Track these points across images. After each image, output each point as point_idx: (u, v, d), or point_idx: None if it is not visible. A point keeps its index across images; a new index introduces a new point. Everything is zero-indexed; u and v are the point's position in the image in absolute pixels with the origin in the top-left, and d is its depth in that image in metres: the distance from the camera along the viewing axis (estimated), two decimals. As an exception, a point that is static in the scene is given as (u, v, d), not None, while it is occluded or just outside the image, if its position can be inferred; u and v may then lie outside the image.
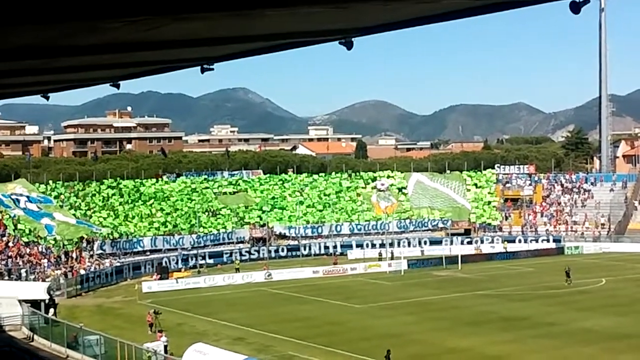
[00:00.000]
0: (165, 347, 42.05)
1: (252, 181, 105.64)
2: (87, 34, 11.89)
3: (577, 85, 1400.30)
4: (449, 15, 12.76)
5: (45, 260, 71.84)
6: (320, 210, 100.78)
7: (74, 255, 75.62)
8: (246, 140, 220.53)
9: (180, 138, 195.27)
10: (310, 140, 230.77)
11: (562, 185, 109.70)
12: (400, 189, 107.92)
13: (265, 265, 79.23)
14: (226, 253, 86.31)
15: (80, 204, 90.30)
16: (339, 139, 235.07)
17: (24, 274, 67.28)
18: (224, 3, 10.39)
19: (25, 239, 76.55)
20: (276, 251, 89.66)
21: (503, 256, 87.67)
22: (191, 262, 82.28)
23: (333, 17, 12.52)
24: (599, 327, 49.14)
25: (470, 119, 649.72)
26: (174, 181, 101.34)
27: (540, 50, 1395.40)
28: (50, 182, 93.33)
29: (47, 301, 55.48)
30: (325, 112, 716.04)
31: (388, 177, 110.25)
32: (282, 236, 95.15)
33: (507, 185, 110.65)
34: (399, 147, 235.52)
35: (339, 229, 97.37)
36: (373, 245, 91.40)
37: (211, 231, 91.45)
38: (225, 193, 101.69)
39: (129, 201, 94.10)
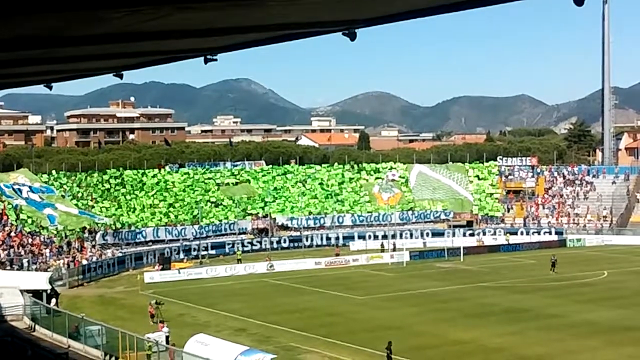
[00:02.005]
0: (167, 337, 42.09)
1: (255, 172, 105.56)
2: (89, 24, 11.81)
3: (580, 78, 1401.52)
4: (453, 7, 12.68)
5: (47, 250, 71.90)
6: (323, 202, 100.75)
7: (76, 245, 75.66)
8: (249, 131, 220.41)
9: (183, 128, 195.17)
10: (313, 131, 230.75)
11: (564, 178, 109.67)
12: (402, 181, 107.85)
13: (267, 256, 79.25)
14: (228, 244, 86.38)
15: (82, 194, 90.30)
16: (341, 130, 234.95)
17: (26, 264, 67.34)
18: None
19: (27, 229, 76.61)
20: (278, 242, 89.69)
21: (505, 248, 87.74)
22: (193, 253, 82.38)
23: (336, 7, 12.45)
24: (602, 320, 49.18)
25: (473, 110, 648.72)
26: (176, 171, 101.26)
27: (544, 42, 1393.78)
28: (53, 172, 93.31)
29: (48, 291, 55.58)
30: (328, 103, 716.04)
31: (391, 168, 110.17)
32: (284, 227, 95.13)
33: (510, 177, 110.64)
34: (401, 138, 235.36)
35: (341, 220, 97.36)
36: (375, 237, 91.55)
37: (213, 222, 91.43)
38: (227, 184, 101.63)
39: (132, 191, 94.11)
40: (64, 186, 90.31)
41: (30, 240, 73.87)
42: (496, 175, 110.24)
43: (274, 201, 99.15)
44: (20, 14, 10.17)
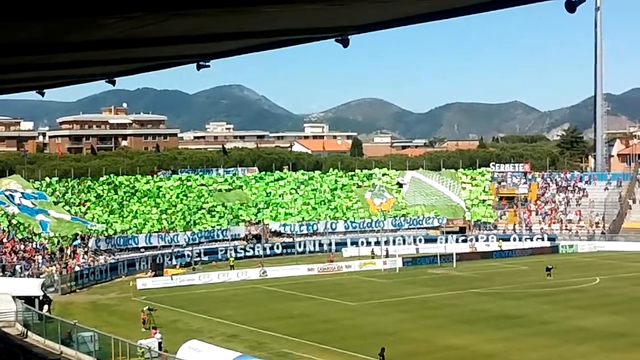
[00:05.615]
0: (160, 344, 42.06)
1: (248, 178, 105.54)
2: (83, 30, 11.84)
3: (572, 84, 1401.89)
4: (446, 14, 12.75)
5: (40, 257, 71.74)
6: (316, 208, 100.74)
7: (68, 251, 75.49)
8: (242, 137, 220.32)
9: (175, 135, 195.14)
10: (306, 137, 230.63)
11: (557, 184, 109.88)
12: (398, 185, 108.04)
13: (260, 262, 79.18)
14: (221, 250, 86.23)
15: (75, 200, 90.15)
16: (334, 137, 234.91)
17: (18, 270, 67.18)
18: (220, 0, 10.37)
19: (19, 236, 76.43)
20: (271, 248, 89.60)
21: (498, 254, 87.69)
22: (186, 259, 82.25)
23: (330, 14, 12.50)
24: (594, 326, 49.24)
25: (466, 117, 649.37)
26: (169, 178, 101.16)
27: (536, 48, 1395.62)
28: (46, 178, 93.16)
29: (41, 297, 55.43)
30: (321, 109, 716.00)
31: (383, 174, 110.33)
32: (277, 233, 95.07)
33: (502, 183, 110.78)
34: (394, 144, 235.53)
35: (334, 226, 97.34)
36: (368, 243, 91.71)
37: (206, 228, 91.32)
38: (220, 190, 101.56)
39: (124, 198, 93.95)
40: (57, 192, 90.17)
41: (22, 246, 73.70)
42: (489, 181, 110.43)
43: (266, 207, 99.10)
44: (13, 21, 10.19)
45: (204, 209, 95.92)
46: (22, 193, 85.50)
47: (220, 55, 17.17)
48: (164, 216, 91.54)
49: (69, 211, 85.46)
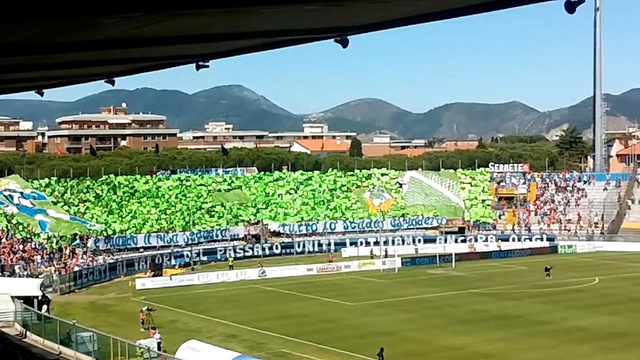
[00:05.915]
0: (159, 344, 42.07)
1: (247, 178, 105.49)
2: (81, 30, 11.83)
3: (571, 85, 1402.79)
4: (445, 14, 12.75)
5: (39, 257, 71.69)
6: (315, 208, 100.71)
7: (67, 251, 75.44)
8: (241, 137, 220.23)
9: (174, 135, 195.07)
10: (305, 137, 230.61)
11: (556, 184, 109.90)
12: (397, 186, 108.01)
13: (259, 262, 79.15)
14: (220, 250, 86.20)
15: (74, 200, 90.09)
16: (333, 137, 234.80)
17: (17, 270, 67.15)
18: (219, 0, 10.37)
19: (18, 236, 76.39)
20: (270, 248, 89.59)
21: (497, 255, 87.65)
22: (185, 259, 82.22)
23: (329, 14, 12.51)
24: (593, 326, 49.26)
25: (465, 117, 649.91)
26: (168, 178, 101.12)
27: (535, 49, 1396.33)
28: (46, 178, 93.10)
29: (40, 297, 55.41)
30: (320, 109, 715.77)
31: (383, 175, 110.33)
32: (276, 233, 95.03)
33: (501, 183, 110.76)
34: (393, 145, 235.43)
35: (333, 226, 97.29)
36: (367, 243, 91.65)
37: (205, 228, 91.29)
38: (219, 190, 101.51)
39: (123, 198, 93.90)
40: (56, 192, 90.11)
41: (21, 246, 73.65)
42: (488, 181, 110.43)
43: (265, 207, 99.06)
44: (12, 20, 10.18)
45: (203, 209, 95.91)
46: (21, 193, 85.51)
47: (220, 55, 17.18)
48: (163, 216, 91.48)
49: (68, 211, 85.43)
